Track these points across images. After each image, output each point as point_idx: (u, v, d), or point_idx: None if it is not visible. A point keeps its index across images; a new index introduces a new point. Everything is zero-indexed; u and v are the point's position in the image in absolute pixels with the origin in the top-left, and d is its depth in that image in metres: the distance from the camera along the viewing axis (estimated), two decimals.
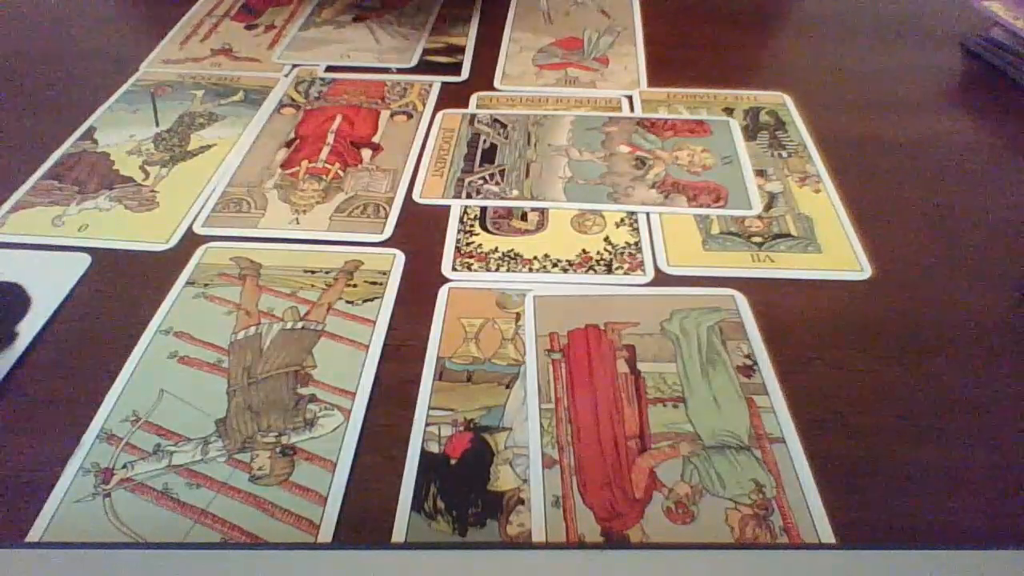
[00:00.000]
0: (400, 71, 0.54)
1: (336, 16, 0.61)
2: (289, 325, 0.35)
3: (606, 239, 0.40)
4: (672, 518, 0.27)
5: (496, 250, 0.39)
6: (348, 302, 0.36)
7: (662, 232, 0.40)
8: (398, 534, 0.27)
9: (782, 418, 0.31)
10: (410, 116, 0.49)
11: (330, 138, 0.47)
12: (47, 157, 0.46)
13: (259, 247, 0.39)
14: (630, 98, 0.51)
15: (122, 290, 0.37)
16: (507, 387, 0.32)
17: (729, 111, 0.49)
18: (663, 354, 0.33)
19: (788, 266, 0.38)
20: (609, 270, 0.38)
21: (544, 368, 0.33)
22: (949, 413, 0.31)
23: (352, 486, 0.29)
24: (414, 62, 0.55)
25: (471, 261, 0.38)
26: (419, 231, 0.40)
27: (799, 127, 0.48)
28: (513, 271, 0.38)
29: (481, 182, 0.43)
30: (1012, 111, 0.50)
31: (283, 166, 0.45)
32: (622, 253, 0.39)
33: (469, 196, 0.42)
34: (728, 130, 0.47)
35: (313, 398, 0.32)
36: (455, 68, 0.54)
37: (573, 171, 0.44)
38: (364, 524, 0.28)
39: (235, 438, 0.30)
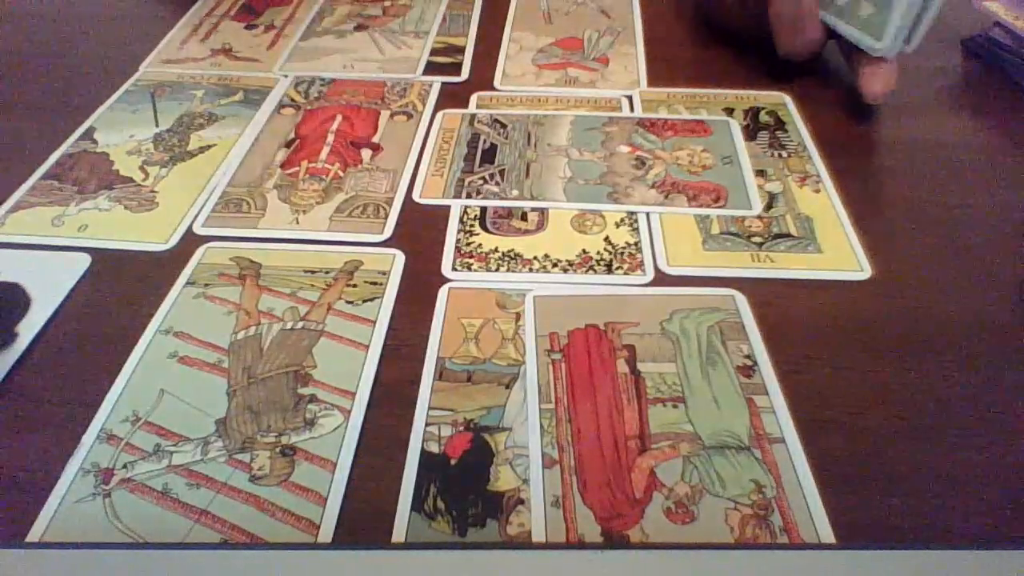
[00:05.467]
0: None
1: (337, 25, 0.60)
2: (289, 325, 0.35)
3: (606, 239, 0.40)
4: (672, 518, 0.27)
5: (496, 250, 0.39)
6: (348, 302, 0.36)
7: (662, 232, 0.40)
8: (398, 534, 0.27)
9: (782, 418, 0.31)
10: (410, 116, 0.49)
11: (330, 138, 0.47)
12: (47, 157, 0.46)
13: (259, 247, 0.39)
14: (630, 98, 0.51)
15: (122, 290, 0.37)
16: (507, 387, 0.32)
17: (729, 111, 0.49)
18: (663, 354, 0.33)
19: (788, 266, 0.38)
20: (609, 270, 0.38)
21: (544, 368, 0.33)
22: (949, 413, 0.31)
23: (352, 486, 0.29)
24: (419, 72, 0.54)
25: (471, 261, 0.38)
26: (419, 231, 0.40)
27: (799, 127, 0.48)
28: (513, 271, 0.38)
29: (481, 182, 0.43)
30: (1012, 111, 0.50)
31: (283, 166, 0.45)
32: (622, 253, 0.39)
33: (469, 196, 0.42)
34: (728, 130, 0.47)
35: (313, 398, 0.32)
36: (455, 68, 0.54)
37: (573, 171, 0.44)
38: (364, 524, 0.28)
39: (235, 438, 0.30)
